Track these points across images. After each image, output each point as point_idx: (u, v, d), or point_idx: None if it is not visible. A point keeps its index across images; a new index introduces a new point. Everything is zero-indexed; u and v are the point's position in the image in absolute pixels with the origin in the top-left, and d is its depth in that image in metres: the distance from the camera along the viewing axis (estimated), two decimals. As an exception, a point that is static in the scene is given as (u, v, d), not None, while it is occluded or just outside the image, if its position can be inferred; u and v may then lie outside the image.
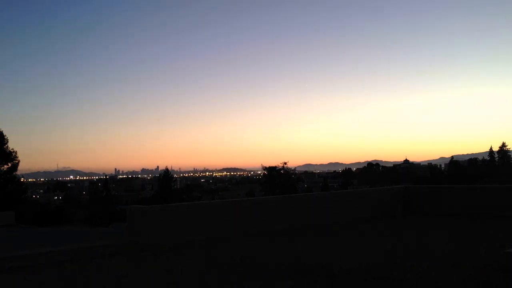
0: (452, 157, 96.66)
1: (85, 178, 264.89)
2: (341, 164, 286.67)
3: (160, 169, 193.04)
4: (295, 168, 74.88)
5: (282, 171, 61.48)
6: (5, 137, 36.94)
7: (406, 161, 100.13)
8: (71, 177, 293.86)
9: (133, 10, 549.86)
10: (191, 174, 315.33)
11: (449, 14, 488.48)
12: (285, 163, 61.49)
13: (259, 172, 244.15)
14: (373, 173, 72.46)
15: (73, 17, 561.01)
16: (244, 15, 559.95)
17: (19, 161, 37.29)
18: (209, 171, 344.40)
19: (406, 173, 74.76)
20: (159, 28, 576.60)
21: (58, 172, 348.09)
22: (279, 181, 59.95)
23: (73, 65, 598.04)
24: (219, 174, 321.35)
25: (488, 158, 69.19)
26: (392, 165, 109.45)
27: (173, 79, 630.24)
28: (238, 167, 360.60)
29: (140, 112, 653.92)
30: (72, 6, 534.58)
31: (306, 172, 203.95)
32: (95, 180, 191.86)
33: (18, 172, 39.26)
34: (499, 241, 9.84)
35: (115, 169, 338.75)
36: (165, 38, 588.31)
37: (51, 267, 8.94)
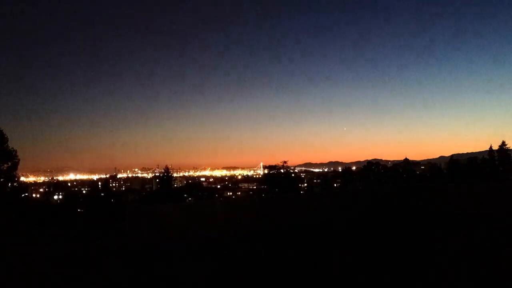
0: (452, 155, 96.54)
1: (85, 177, 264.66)
2: (341, 163, 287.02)
3: (160, 168, 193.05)
4: (295, 167, 74.87)
5: (282, 170, 61.46)
6: (5, 136, 36.90)
7: (406, 159, 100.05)
8: (71, 176, 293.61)
9: (134, 9, 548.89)
10: (191, 173, 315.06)
11: (449, 12, 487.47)
12: (285, 162, 61.51)
13: (259, 171, 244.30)
14: (373, 172, 72.34)
15: (73, 15, 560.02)
16: (243, 17, 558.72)
17: (19, 160, 37.24)
18: (209, 170, 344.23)
19: (406, 172, 74.69)
20: (158, 28, 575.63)
21: (58, 171, 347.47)
22: (279, 180, 59.96)
23: (74, 64, 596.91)
24: (219, 173, 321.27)
25: (488, 157, 69.09)
26: (392, 164, 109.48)
27: (173, 78, 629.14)
28: (238, 166, 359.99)
29: (140, 111, 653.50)
30: (72, 4, 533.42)
31: (306, 171, 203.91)
32: (95, 179, 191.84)
33: (18, 171, 39.18)
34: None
35: (115, 168, 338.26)
36: (166, 38, 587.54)
37: (52, 267, 8.97)
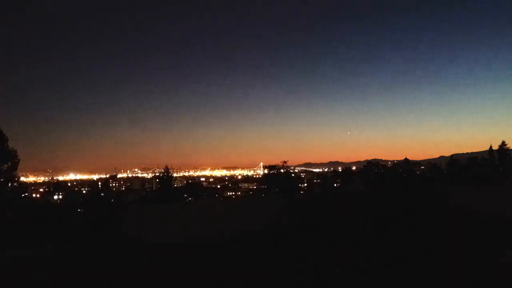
0: (452, 155, 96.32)
1: (85, 177, 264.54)
2: (341, 163, 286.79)
3: (160, 168, 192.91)
4: (295, 167, 74.90)
5: (282, 170, 61.44)
6: (5, 136, 36.87)
7: (406, 159, 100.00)
8: (71, 176, 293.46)
9: (133, 10, 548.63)
10: (191, 173, 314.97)
11: (448, 12, 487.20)
12: (285, 162, 61.48)
13: (259, 171, 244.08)
14: (373, 172, 72.29)
15: (73, 15, 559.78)
16: (244, 16, 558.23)
17: (19, 160, 37.20)
18: (209, 170, 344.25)
19: (406, 172, 74.65)
20: (158, 29, 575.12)
21: (58, 171, 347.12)
22: (279, 180, 59.95)
23: (74, 64, 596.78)
24: (219, 173, 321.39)
25: (488, 157, 69.02)
26: (392, 164, 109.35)
27: (173, 77, 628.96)
28: (238, 166, 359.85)
29: (140, 110, 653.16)
30: (71, 4, 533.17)
31: (306, 171, 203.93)
32: (95, 179, 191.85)
33: (18, 171, 39.14)
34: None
35: (115, 168, 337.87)
36: (166, 38, 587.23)
37: (49, 265, 8.97)
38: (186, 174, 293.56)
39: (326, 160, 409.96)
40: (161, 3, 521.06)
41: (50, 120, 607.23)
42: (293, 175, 70.20)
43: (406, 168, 77.31)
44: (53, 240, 13.70)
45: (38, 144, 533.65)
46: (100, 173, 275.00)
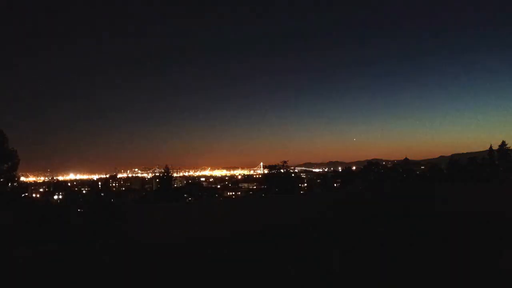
0: (452, 155, 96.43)
1: (85, 177, 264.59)
2: (341, 163, 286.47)
3: (160, 168, 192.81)
4: (295, 167, 74.89)
5: (282, 170, 61.43)
6: (5, 136, 36.91)
7: (406, 159, 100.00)
8: (71, 176, 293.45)
9: (133, 10, 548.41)
10: (191, 173, 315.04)
11: (447, 11, 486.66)
12: (285, 162, 61.46)
13: (259, 171, 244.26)
14: (373, 172, 72.26)
15: (74, 15, 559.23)
16: (239, 15, 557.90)
17: (19, 160, 37.27)
18: (209, 170, 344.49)
19: (406, 172, 74.61)
20: (158, 29, 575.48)
21: (58, 171, 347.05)
22: (279, 180, 59.94)
23: (73, 63, 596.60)
24: (219, 173, 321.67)
25: (488, 157, 69.09)
26: (392, 164, 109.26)
27: (173, 76, 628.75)
28: (238, 166, 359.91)
29: (139, 110, 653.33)
30: (70, 4, 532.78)
31: (306, 171, 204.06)
32: (95, 179, 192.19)
33: (18, 171, 39.18)
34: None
35: (115, 168, 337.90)
36: (165, 38, 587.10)
37: (49, 266, 8.96)
38: (186, 174, 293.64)
39: (326, 160, 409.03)
40: (154, 5, 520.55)
41: (50, 120, 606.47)
42: (293, 175, 70.11)
43: (406, 168, 77.32)
44: (53, 240, 13.72)
45: (38, 144, 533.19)
46: (100, 173, 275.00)
